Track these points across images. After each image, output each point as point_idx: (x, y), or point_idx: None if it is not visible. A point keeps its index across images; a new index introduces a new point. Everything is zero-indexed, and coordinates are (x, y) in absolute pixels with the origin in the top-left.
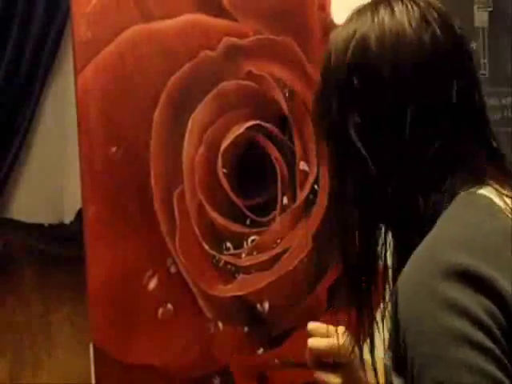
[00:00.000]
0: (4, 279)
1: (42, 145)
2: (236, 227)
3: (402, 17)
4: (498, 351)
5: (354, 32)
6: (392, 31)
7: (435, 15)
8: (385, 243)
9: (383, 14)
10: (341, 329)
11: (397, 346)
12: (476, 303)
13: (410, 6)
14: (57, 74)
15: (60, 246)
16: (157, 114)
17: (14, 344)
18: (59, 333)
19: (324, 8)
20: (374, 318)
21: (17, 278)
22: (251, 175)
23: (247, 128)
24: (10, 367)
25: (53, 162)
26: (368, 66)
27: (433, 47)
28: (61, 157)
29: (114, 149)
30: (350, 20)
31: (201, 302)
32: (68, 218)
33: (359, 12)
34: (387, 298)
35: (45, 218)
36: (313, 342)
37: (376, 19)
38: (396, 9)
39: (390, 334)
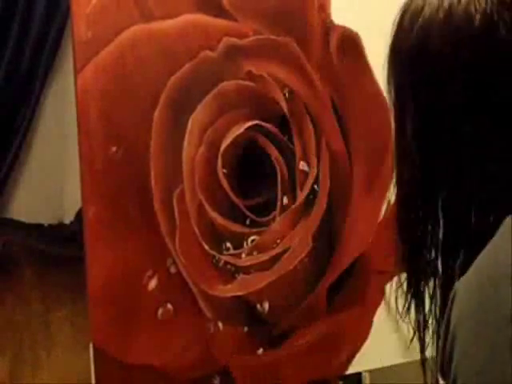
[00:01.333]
0: (4, 279)
1: (41, 145)
2: (236, 227)
3: None
4: None
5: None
6: None
7: None
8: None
9: None
10: None
11: (443, 347)
12: None
13: None
14: (57, 73)
15: (60, 246)
16: (157, 113)
17: (13, 343)
18: (59, 332)
19: (324, 8)
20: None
21: (17, 278)
22: (251, 175)
23: (247, 128)
24: (9, 367)
25: (53, 161)
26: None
27: None
28: (61, 157)
29: (114, 148)
30: None
31: (201, 302)
32: (68, 218)
33: None
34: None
35: (45, 218)
36: None
37: None
38: None
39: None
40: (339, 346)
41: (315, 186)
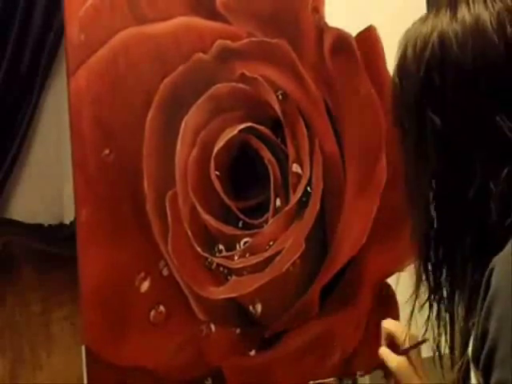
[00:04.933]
0: (4, 279)
1: (41, 145)
2: (228, 229)
3: (484, 14)
4: None
5: (433, 29)
6: (473, 29)
7: None
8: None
9: (463, 11)
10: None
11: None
12: None
13: (490, 4)
14: (56, 74)
15: (60, 246)
16: (150, 116)
17: (13, 343)
18: (59, 333)
19: (318, 10)
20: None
21: (16, 278)
22: (244, 177)
23: (240, 130)
24: (10, 367)
25: (53, 162)
26: (449, 64)
27: None
28: (61, 157)
29: (106, 151)
30: (426, 17)
31: (193, 305)
32: (68, 219)
33: (437, 10)
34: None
35: (45, 218)
36: (385, 322)
37: (456, 16)
38: (476, 6)
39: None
40: (332, 348)
41: (308, 188)
